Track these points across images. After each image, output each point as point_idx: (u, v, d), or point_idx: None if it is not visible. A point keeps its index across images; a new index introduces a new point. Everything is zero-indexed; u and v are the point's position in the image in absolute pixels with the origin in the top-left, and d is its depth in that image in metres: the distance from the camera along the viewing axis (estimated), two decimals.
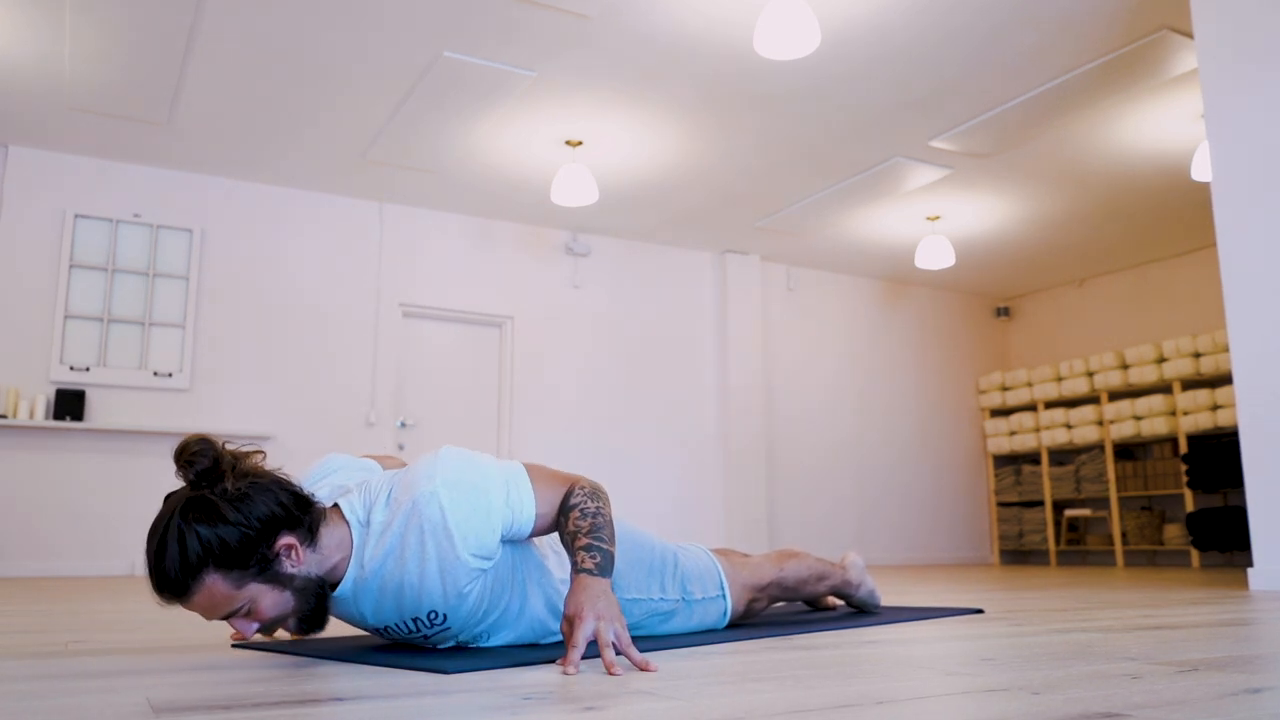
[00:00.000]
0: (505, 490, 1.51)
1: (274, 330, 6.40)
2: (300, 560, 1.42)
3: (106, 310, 5.95)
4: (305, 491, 1.47)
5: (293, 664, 1.45)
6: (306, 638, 1.55)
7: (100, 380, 5.85)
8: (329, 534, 1.47)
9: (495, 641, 1.63)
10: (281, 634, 1.90)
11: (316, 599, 1.46)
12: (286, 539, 1.40)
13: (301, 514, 1.43)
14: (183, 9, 4.38)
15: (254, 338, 6.33)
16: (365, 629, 1.61)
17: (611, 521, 1.55)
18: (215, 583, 1.36)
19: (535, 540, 1.67)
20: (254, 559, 1.37)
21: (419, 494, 1.45)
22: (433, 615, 1.51)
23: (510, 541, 1.58)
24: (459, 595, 1.49)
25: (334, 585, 1.50)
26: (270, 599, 1.41)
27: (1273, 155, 3.65)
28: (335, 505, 1.52)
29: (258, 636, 1.82)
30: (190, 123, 5.58)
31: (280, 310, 6.44)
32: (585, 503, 1.54)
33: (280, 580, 1.41)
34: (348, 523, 1.49)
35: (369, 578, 1.48)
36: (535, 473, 1.57)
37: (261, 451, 1.46)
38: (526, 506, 1.52)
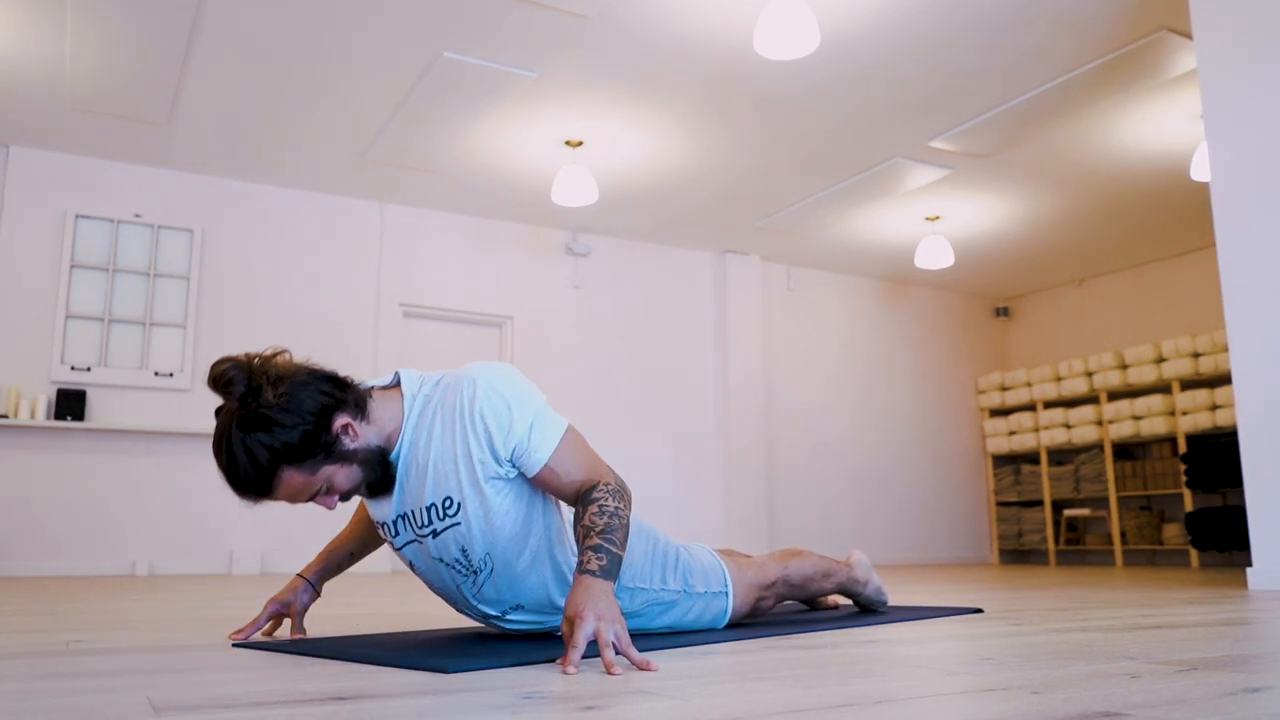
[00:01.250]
0: (532, 423, 1.56)
1: (274, 330, 6.40)
2: (358, 435, 1.55)
3: (107, 310, 5.95)
4: (341, 375, 1.58)
5: (293, 664, 1.46)
6: (373, 498, 1.67)
7: (101, 380, 5.86)
8: (380, 407, 1.59)
9: (495, 582, 1.64)
10: (281, 633, 1.90)
11: (381, 467, 1.58)
12: (341, 420, 1.52)
13: (345, 394, 1.54)
14: (183, 9, 4.38)
15: (254, 337, 6.33)
16: (385, 523, 1.67)
17: (628, 525, 1.55)
18: (291, 476, 1.49)
19: (562, 508, 1.69)
20: (318, 447, 1.49)
21: (461, 377, 1.59)
22: (448, 502, 1.58)
23: (524, 481, 1.62)
24: (475, 485, 1.55)
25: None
26: (343, 474, 1.55)
27: (1272, 155, 3.65)
28: (396, 380, 1.65)
29: (255, 634, 1.83)
30: (190, 123, 5.58)
31: (280, 310, 6.44)
32: (606, 500, 1.54)
33: (346, 457, 1.53)
34: (402, 396, 1.62)
35: (408, 449, 1.59)
36: (572, 439, 1.60)
37: (285, 350, 1.56)
38: (541, 451, 1.56)
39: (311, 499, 1.55)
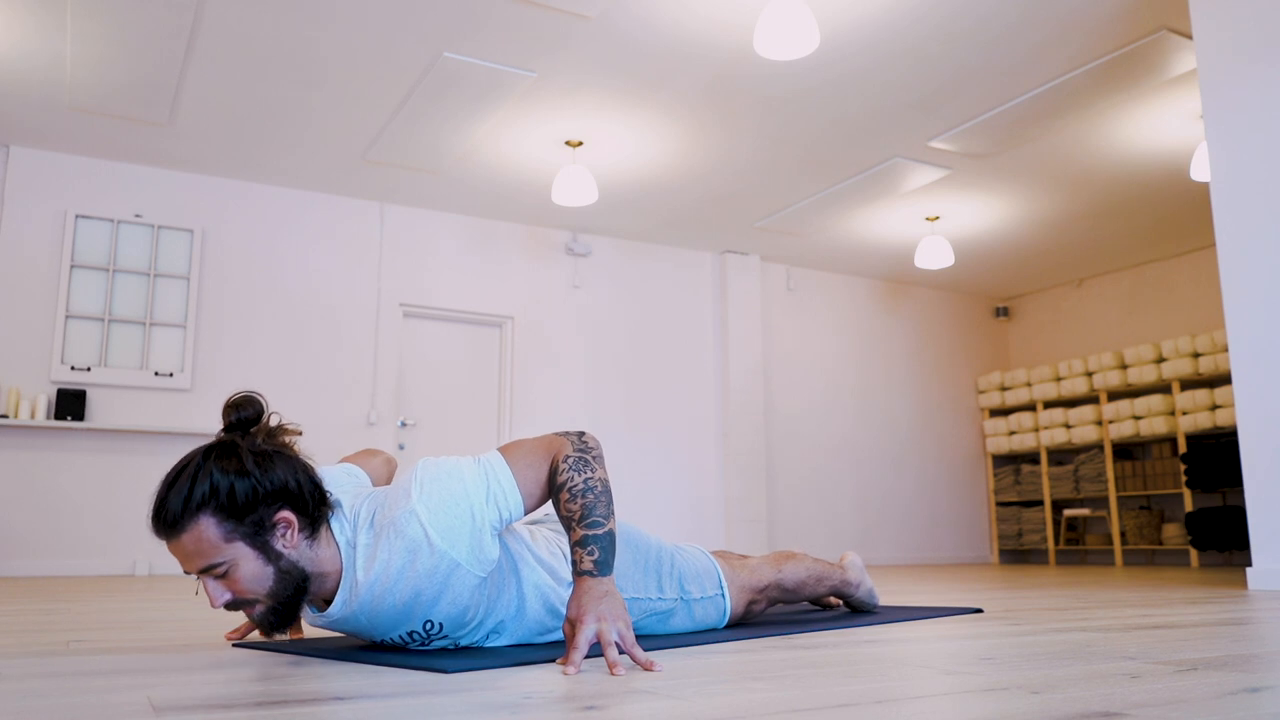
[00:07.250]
0: (485, 488, 1.47)
1: (275, 330, 6.40)
2: (294, 544, 1.42)
3: (107, 310, 5.95)
4: (326, 488, 1.48)
5: (293, 663, 1.46)
6: (272, 637, 1.53)
7: (101, 380, 5.86)
8: (325, 545, 1.47)
9: (496, 643, 1.62)
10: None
11: (295, 592, 1.42)
12: (288, 514, 1.41)
13: (312, 502, 1.44)
14: (183, 9, 4.38)
15: (255, 338, 6.33)
16: (367, 639, 1.61)
17: (605, 489, 1.50)
18: (208, 527, 1.36)
19: (522, 541, 1.63)
20: (251, 518, 1.37)
21: (398, 515, 1.44)
22: (429, 625, 1.51)
23: (502, 538, 1.57)
24: (453, 603, 1.48)
25: (326, 602, 1.50)
26: (251, 568, 1.38)
27: (1272, 155, 3.65)
28: (325, 524, 1.50)
29: (252, 634, 1.82)
30: (191, 123, 5.58)
31: (281, 310, 6.44)
32: (572, 478, 1.49)
33: (268, 553, 1.39)
34: (337, 544, 1.48)
35: (361, 600, 1.46)
36: (513, 454, 1.53)
37: (300, 432, 1.51)
38: (511, 496, 1.49)
39: (205, 573, 1.38)
